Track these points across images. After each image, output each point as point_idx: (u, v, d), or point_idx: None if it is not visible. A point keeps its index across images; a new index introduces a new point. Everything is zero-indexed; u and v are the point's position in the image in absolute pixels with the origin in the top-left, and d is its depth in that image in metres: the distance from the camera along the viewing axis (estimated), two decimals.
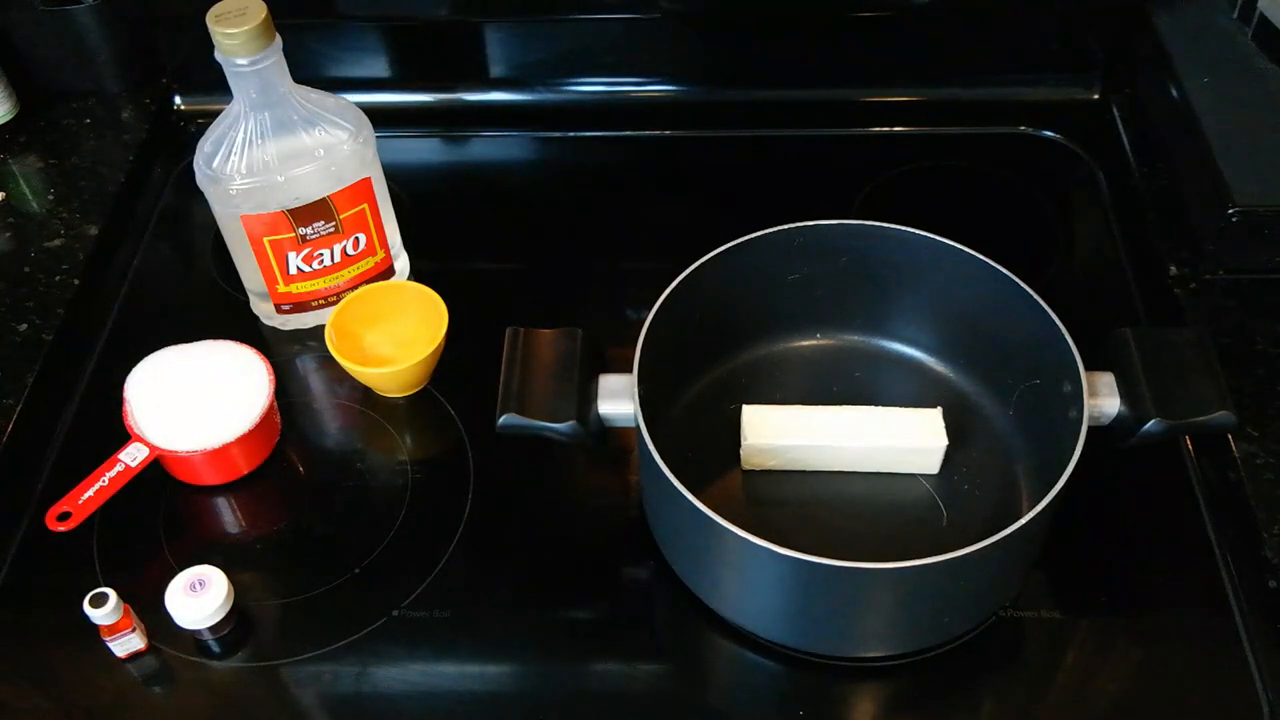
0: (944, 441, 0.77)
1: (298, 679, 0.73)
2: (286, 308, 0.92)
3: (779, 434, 0.78)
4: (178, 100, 1.13)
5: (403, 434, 0.87)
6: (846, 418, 0.79)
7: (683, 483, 0.66)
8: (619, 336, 0.76)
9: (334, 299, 0.91)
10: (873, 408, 0.80)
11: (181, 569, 0.74)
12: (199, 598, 0.73)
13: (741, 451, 0.79)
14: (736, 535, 0.64)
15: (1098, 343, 0.74)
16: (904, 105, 1.12)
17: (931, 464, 0.79)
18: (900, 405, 0.80)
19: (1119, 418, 0.72)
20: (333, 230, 0.88)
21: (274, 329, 0.94)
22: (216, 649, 0.75)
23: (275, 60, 0.79)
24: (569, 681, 0.73)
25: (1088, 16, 1.07)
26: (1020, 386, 0.79)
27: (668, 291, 0.75)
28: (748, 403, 0.81)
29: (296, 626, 0.76)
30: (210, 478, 0.82)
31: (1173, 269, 0.90)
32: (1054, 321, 0.73)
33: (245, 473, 0.83)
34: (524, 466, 0.83)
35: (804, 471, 0.80)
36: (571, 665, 0.74)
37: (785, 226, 0.79)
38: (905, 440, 0.78)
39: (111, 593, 0.70)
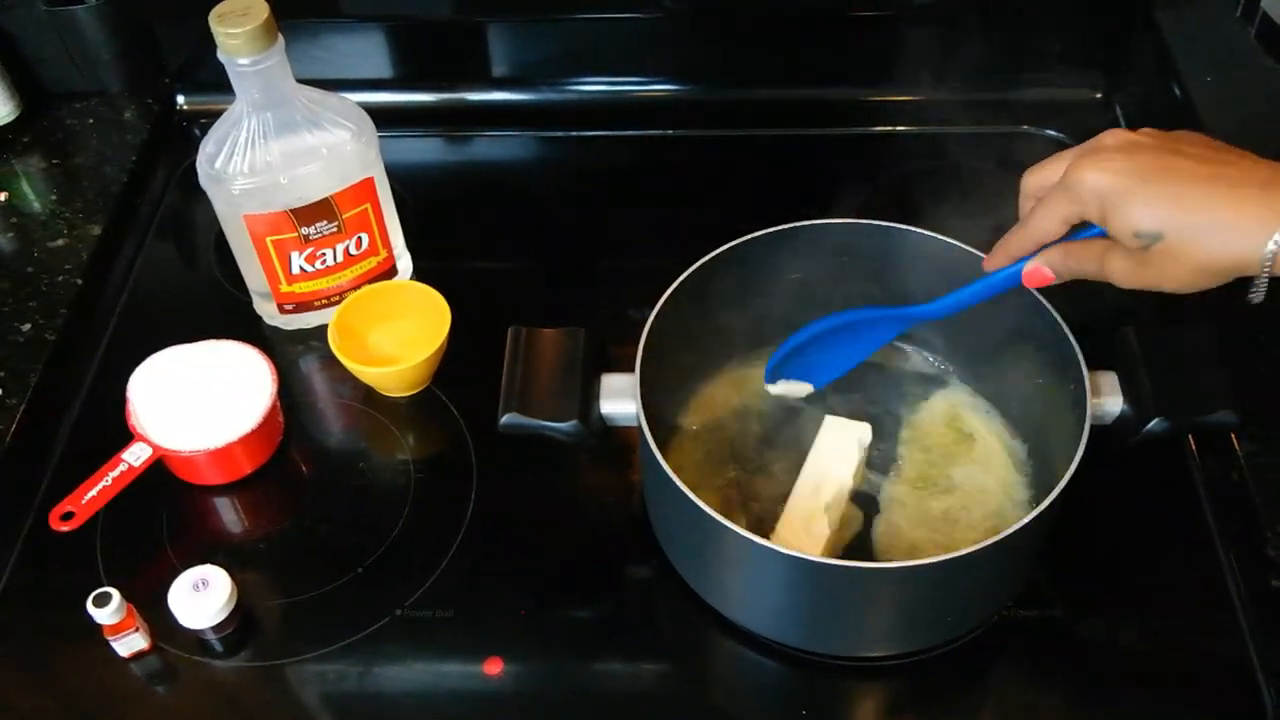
0: (867, 426, 0.77)
1: (301, 679, 0.73)
2: (289, 307, 0.92)
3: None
4: (180, 100, 1.13)
5: (405, 433, 0.87)
6: (820, 475, 0.77)
7: (684, 481, 0.66)
8: (621, 336, 0.76)
9: (337, 299, 0.91)
10: (810, 461, 0.77)
11: (185, 568, 0.74)
12: (202, 597, 0.73)
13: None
14: (739, 535, 0.64)
15: (1101, 341, 0.74)
16: (906, 104, 1.12)
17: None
18: (902, 404, 0.81)
19: (1122, 417, 0.72)
20: (335, 230, 0.88)
21: (277, 329, 0.94)
22: (220, 648, 0.75)
23: (278, 60, 0.79)
24: (572, 680, 0.73)
25: (1090, 15, 1.07)
26: (1023, 386, 0.79)
27: (670, 290, 0.75)
28: (750, 402, 0.81)
29: (300, 626, 0.76)
30: (213, 477, 0.83)
31: None
32: (1057, 320, 0.72)
33: (248, 472, 0.83)
34: (526, 466, 0.83)
35: None
36: (574, 664, 0.74)
37: (786, 226, 0.79)
38: (851, 450, 0.77)
39: (115, 592, 0.71)
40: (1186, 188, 0.57)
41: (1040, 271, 0.66)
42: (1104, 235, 0.61)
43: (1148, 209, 0.57)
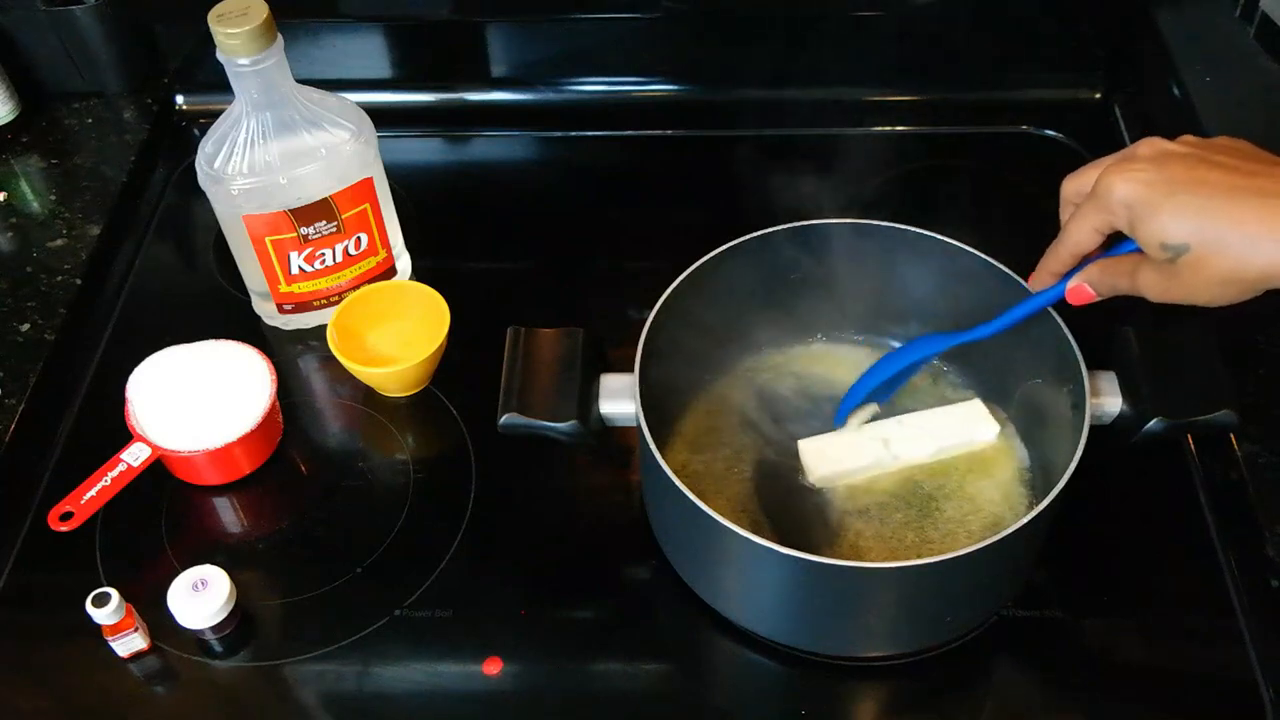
0: (996, 427, 0.78)
1: (300, 679, 0.73)
2: (288, 307, 0.92)
3: (840, 462, 0.78)
4: (179, 100, 1.13)
5: (404, 434, 0.87)
6: (898, 433, 0.79)
7: (684, 482, 0.66)
8: (620, 336, 0.76)
9: (336, 299, 0.91)
10: (917, 415, 0.80)
11: (184, 568, 0.74)
12: (201, 597, 0.73)
13: (810, 480, 0.78)
14: (738, 535, 0.64)
15: (1100, 341, 0.74)
16: (905, 105, 1.12)
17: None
18: (901, 406, 0.81)
19: (1121, 417, 0.72)
20: (334, 230, 0.88)
21: (276, 329, 0.94)
22: (219, 649, 0.75)
23: (277, 60, 0.79)
24: (571, 681, 0.73)
25: (1090, 16, 1.07)
26: (1022, 386, 0.79)
27: (669, 291, 0.75)
28: (749, 403, 0.81)
29: (299, 626, 0.76)
30: (212, 477, 0.83)
31: None
32: (1055, 320, 0.72)
33: (247, 472, 0.83)
34: (525, 466, 0.83)
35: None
36: (573, 664, 0.74)
37: (785, 226, 0.79)
38: (959, 438, 0.79)
39: (114, 592, 0.71)
40: (1214, 200, 0.56)
41: (1082, 289, 0.65)
42: (1138, 250, 0.61)
43: (1174, 221, 0.57)
